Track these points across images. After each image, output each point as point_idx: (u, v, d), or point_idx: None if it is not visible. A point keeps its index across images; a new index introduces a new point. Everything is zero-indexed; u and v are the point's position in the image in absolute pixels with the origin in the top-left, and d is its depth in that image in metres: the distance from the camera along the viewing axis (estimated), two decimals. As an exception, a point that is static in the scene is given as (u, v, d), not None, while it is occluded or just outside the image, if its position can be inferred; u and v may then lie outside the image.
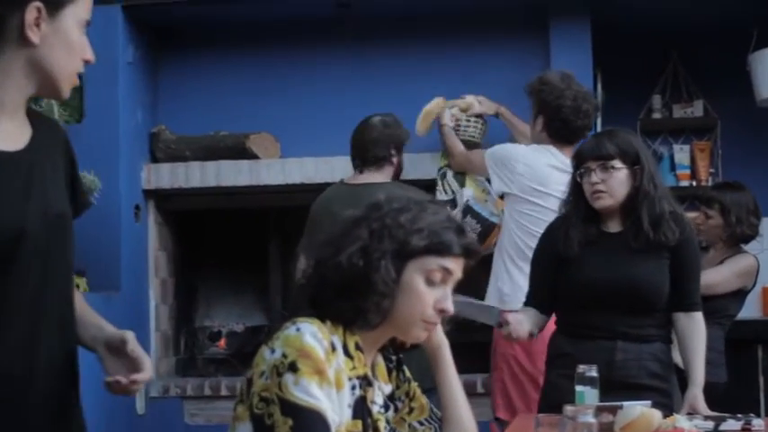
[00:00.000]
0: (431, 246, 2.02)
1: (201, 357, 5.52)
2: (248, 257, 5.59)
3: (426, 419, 2.23)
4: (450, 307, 2.05)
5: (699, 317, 3.22)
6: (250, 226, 5.50)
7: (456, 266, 2.05)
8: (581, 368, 2.81)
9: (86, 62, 1.99)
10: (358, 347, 2.02)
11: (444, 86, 5.01)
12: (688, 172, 5.79)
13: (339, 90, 5.14)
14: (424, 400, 2.25)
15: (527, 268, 3.58)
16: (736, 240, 4.43)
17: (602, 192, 3.21)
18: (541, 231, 3.49)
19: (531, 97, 4.26)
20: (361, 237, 2.01)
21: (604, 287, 3.18)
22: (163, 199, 5.28)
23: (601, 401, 2.72)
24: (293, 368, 1.87)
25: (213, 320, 5.70)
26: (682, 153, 5.83)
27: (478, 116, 4.85)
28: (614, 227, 3.28)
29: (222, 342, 5.59)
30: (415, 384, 2.25)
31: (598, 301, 3.19)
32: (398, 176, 4.39)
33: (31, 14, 1.87)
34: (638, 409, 2.54)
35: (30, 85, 1.93)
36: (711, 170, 5.76)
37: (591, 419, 2.08)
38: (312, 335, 1.91)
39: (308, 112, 5.14)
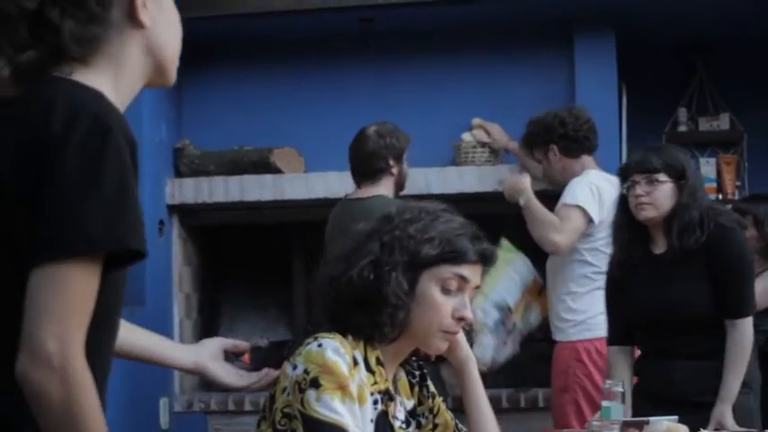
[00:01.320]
0: (443, 254, 2.00)
1: (225, 372, 5.51)
2: (272, 272, 5.58)
3: None
4: (468, 314, 2.03)
5: (741, 324, 3.16)
6: (274, 240, 5.49)
7: (472, 273, 2.04)
8: (607, 383, 2.79)
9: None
10: (379, 362, 2.01)
11: (468, 101, 5.00)
12: (714, 185, 5.75)
13: (362, 104, 5.15)
14: (448, 416, 2.22)
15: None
16: None
17: (645, 203, 3.21)
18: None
19: (533, 142, 4.33)
20: (372, 250, 2.00)
21: (650, 311, 3.20)
22: (187, 214, 5.29)
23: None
24: (315, 384, 1.86)
25: (237, 335, 5.68)
26: (708, 166, 5.79)
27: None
28: (660, 248, 3.27)
29: (246, 357, 5.57)
30: (439, 400, 2.22)
31: (650, 323, 3.20)
32: (402, 186, 4.25)
33: None
34: (665, 425, 2.51)
35: (143, 76, 1.70)
36: (738, 183, 5.72)
37: (617, 435, 2.06)
38: (334, 350, 1.91)
39: (332, 126, 5.14)
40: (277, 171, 5.09)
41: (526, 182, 4.27)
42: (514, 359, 4.18)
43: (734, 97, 5.77)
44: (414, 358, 2.22)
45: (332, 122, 5.16)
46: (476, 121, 4.93)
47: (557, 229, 4.03)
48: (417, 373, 2.20)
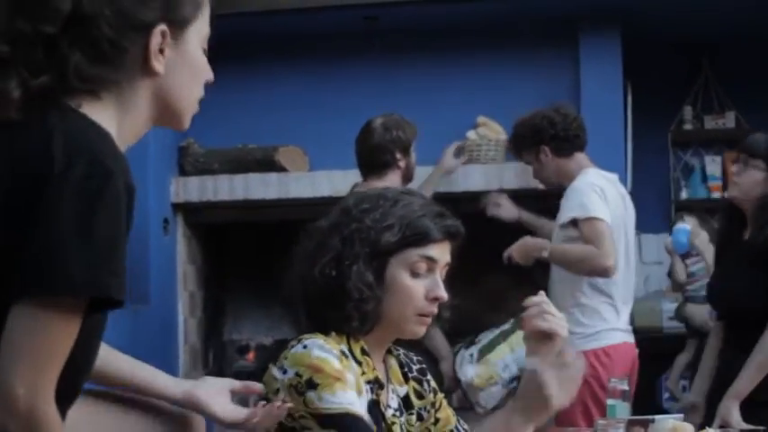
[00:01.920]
0: (405, 239, 1.98)
1: (230, 370, 5.51)
2: (277, 270, 5.57)
3: (452, 431, 2.20)
4: (442, 293, 2.01)
5: None
6: (278, 239, 5.48)
7: (440, 252, 2.01)
8: (612, 381, 2.78)
9: (207, 83, 1.75)
10: (364, 352, 2.01)
11: (473, 100, 5.00)
12: (720, 183, 5.74)
13: (367, 102, 5.13)
14: (450, 411, 2.21)
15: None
16: None
17: (734, 182, 3.26)
18: None
19: (522, 145, 4.24)
20: (333, 246, 1.99)
21: (713, 297, 3.20)
22: (191, 212, 5.29)
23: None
24: (312, 385, 1.87)
25: (242, 334, 5.69)
26: (713, 164, 5.78)
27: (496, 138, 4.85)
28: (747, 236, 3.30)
29: (251, 355, 5.58)
30: (441, 396, 2.22)
31: (720, 312, 3.20)
32: (410, 179, 4.24)
33: (155, 41, 1.59)
34: (671, 423, 2.50)
35: (151, 119, 1.66)
36: (743, 182, 5.71)
37: (622, 433, 2.05)
38: (319, 348, 1.91)
39: (337, 124, 5.13)
40: (282, 170, 5.09)
41: (535, 240, 4.12)
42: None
43: (739, 95, 5.76)
44: (412, 353, 2.21)
45: (337, 121, 5.15)
46: (481, 119, 4.92)
47: (599, 255, 3.85)
48: (416, 367, 2.19)
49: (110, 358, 1.84)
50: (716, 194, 5.73)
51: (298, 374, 1.88)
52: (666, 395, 5.01)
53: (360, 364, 1.98)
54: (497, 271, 4.40)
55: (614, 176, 4.20)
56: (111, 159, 1.48)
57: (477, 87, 5.10)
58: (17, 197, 1.46)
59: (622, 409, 2.73)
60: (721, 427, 2.91)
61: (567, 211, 4.01)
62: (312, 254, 2.02)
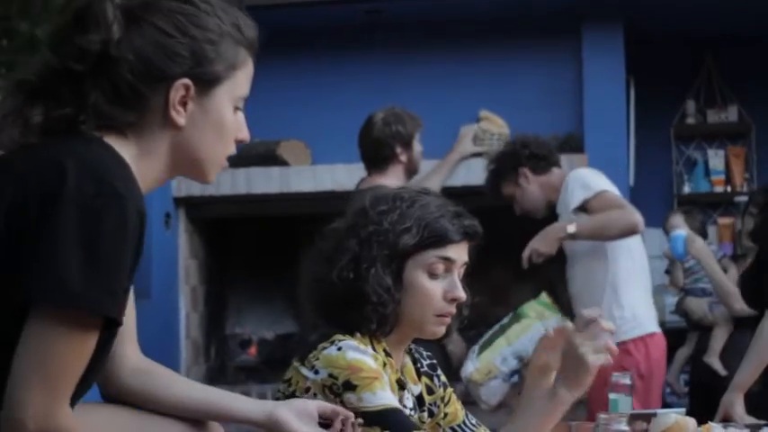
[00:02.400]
0: (423, 241, 1.98)
1: (232, 365, 5.51)
2: (279, 265, 5.56)
3: (460, 426, 2.20)
4: (460, 294, 2.01)
5: None
6: (280, 233, 5.49)
7: (457, 253, 2.02)
8: (614, 375, 2.77)
9: (240, 142, 1.74)
10: (387, 353, 2.01)
11: (475, 94, 4.99)
12: (723, 177, 5.73)
13: (370, 96, 5.12)
14: (458, 405, 2.21)
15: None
16: None
17: None
18: None
19: (499, 183, 4.15)
20: (351, 248, 1.99)
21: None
22: (193, 207, 5.29)
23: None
24: (349, 386, 1.87)
25: (244, 328, 5.69)
26: (716, 158, 5.77)
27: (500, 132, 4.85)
28: None
29: (253, 350, 5.58)
30: (451, 390, 2.21)
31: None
32: (414, 172, 4.22)
33: (177, 93, 1.60)
34: (673, 417, 2.49)
35: (171, 168, 1.67)
36: (746, 175, 5.70)
37: (624, 428, 2.04)
38: (354, 349, 1.91)
39: (339, 118, 5.13)
40: (284, 164, 5.08)
41: (553, 225, 4.01)
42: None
43: (742, 89, 5.76)
44: (422, 348, 2.21)
45: (339, 115, 5.14)
46: (483, 113, 4.92)
47: (624, 213, 3.82)
48: (427, 362, 2.19)
49: (181, 387, 1.81)
50: (719, 188, 5.73)
51: (332, 376, 1.89)
52: (667, 389, 5.01)
53: (384, 365, 1.97)
54: (501, 265, 4.40)
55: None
56: (123, 183, 1.50)
57: (481, 81, 5.09)
58: (28, 212, 1.48)
59: (625, 404, 2.72)
60: (724, 420, 2.90)
61: (573, 198, 3.96)
62: (329, 256, 2.02)
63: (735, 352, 4.30)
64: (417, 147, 4.17)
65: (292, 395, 1.92)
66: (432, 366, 2.19)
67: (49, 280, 1.44)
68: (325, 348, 1.92)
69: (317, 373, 1.91)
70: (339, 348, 1.91)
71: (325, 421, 1.82)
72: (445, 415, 2.18)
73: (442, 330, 2.04)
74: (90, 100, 1.57)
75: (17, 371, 1.45)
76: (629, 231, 3.86)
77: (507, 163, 4.12)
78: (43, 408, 1.44)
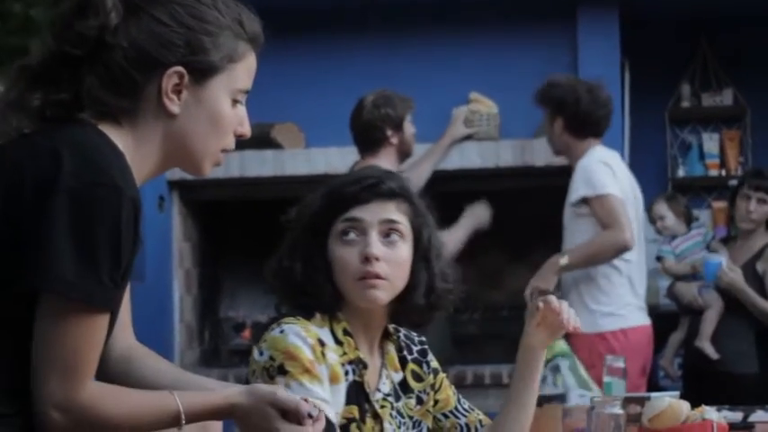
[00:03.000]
0: (328, 211, 2.04)
1: (226, 348, 5.51)
2: (273, 247, 5.56)
3: (452, 411, 2.19)
4: (370, 250, 1.99)
5: None
6: (274, 216, 5.47)
7: (365, 212, 2.02)
8: (608, 359, 2.78)
9: (240, 136, 1.77)
10: (347, 333, 2.01)
11: (470, 77, 4.98)
12: (717, 161, 5.73)
13: (364, 79, 5.10)
14: (450, 391, 2.20)
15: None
16: None
17: None
18: None
19: (544, 104, 4.19)
20: (289, 237, 2.08)
21: None
22: (187, 189, 5.27)
23: None
24: (282, 371, 1.90)
25: (238, 311, 5.68)
26: (711, 142, 5.76)
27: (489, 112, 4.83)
28: None
29: (247, 333, 5.57)
30: (443, 376, 2.21)
31: None
32: (407, 154, 4.23)
33: (170, 80, 1.62)
34: (666, 401, 2.50)
35: (165, 158, 1.69)
36: (741, 159, 5.70)
37: (618, 410, 2.05)
38: (296, 334, 1.93)
39: (333, 101, 5.10)
40: (278, 147, 5.07)
41: (553, 261, 4.00)
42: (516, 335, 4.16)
43: (737, 73, 5.75)
44: (414, 333, 2.20)
45: (333, 97, 5.12)
46: (473, 95, 4.88)
47: (616, 234, 3.85)
48: (417, 348, 2.18)
49: (152, 377, 1.82)
50: (713, 172, 5.72)
51: (272, 358, 1.92)
52: (661, 373, 5.02)
53: (341, 344, 1.99)
54: (494, 249, 4.40)
55: (617, 154, 4.21)
56: (118, 172, 1.52)
57: (475, 65, 5.08)
58: (24, 198, 1.51)
59: (618, 387, 2.73)
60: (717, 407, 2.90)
61: (576, 189, 4.00)
62: (280, 248, 2.10)
63: (726, 335, 4.31)
64: (409, 129, 4.17)
65: (247, 380, 1.95)
66: (422, 353, 2.18)
67: (46, 269, 1.47)
68: (272, 330, 1.96)
69: (261, 354, 1.94)
70: (282, 331, 1.94)
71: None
72: (436, 402, 2.17)
73: (372, 294, 2.00)
74: (85, 84, 1.60)
75: (34, 365, 1.50)
76: (621, 252, 3.92)
77: (555, 103, 4.12)
78: (63, 395, 1.49)
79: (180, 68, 1.63)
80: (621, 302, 3.99)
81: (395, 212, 2.03)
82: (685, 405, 2.51)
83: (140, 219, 1.55)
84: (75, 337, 1.50)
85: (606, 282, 4.00)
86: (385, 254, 2.00)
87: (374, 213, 2.02)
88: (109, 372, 1.78)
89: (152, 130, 1.65)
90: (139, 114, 1.64)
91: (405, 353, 2.15)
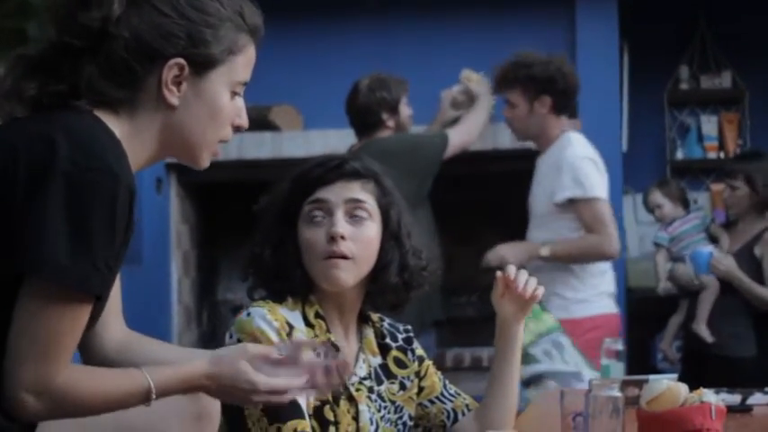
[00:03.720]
0: (297, 195, 2.06)
1: (224, 331, 5.51)
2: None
3: (437, 397, 2.19)
4: (334, 228, 2.01)
5: None
6: (272, 199, 5.47)
7: (330, 193, 2.05)
8: (606, 341, 2.78)
9: (238, 128, 1.75)
10: (319, 316, 2.04)
11: (468, 57, 4.95)
12: (716, 143, 5.73)
13: (362, 61, 5.08)
14: (436, 378, 2.22)
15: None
16: (764, 207, 4.37)
17: None
18: None
19: (523, 85, 3.94)
20: (261, 225, 2.11)
21: None
22: (185, 172, 5.26)
23: None
24: None
25: (236, 294, 5.68)
26: (709, 124, 5.76)
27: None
28: None
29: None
30: (428, 363, 2.22)
31: None
32: None
33: (170, 72, 1.63)
34: (665, 383, 2.50)
35: (162, 149, 1.69)
36: (739, 142, 5.69)
37: (616, 393, 2.04)
38: (261, 317, 1.96)
39: (331, 83, 5.08)
40: (276, 129, 5.06)
41: (528, 243, 3.95)
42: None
43: (736, 55, 5.74)
44: (400, 324, 2.22)
45: (331, 79, 5.10)
46: (465, 72, 4.78)
47: (603, 242, 3.78)
48: (402, 336, 2.20)
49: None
50: (711, 154, 5.72)
51: (239, 341, 1.94)
52: (660, 356, 5.02)
53: (312, 327, 2.01)
54: (490, 229, 4.39)
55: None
56: (114, 157, 1.52)
57: (474, 46, 5.05)
58: (17, 182, 1.50)
59: (617, 369, 2.73)
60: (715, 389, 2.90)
61: (563, 188, 3.84)
62: (254, 237, 2.14)
63: (723, 318, 4.31)
64: (405, 111, 4.16)
65: None
66: (407, 340, 2.20)
67: (38, 253, 1.46)
68: (241, 314, 2.00)
69: (231, 337, 1.99)
70: (248, 314, 1.98)
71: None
72: (422, 389, 2.19)
73: (336, 273, 2.02)
74: (85, 74, 1.60)
75: (11, 346, 1.48)
76: (606, 260, 3.88)
77: (542, 80, 3.90)
78: (38, 379, 1.48)
79: (180, 60, 1.63)
80: (595, 291, 3.92)
81: (360, 192, 2.06)
82: (684, 388, 2.51)
83: (135, 204, 1.54)
84: (60, 321, 1.49)
85: (580, 269, 3.91)
86: (351, 232, 2.02)
87: (339, 194, 2.04)
88: (107, 359, 1.79)
89: (150, 120, 1.65)
90: (138, 105, 1.64)
91: (388, 340, 2.16)
